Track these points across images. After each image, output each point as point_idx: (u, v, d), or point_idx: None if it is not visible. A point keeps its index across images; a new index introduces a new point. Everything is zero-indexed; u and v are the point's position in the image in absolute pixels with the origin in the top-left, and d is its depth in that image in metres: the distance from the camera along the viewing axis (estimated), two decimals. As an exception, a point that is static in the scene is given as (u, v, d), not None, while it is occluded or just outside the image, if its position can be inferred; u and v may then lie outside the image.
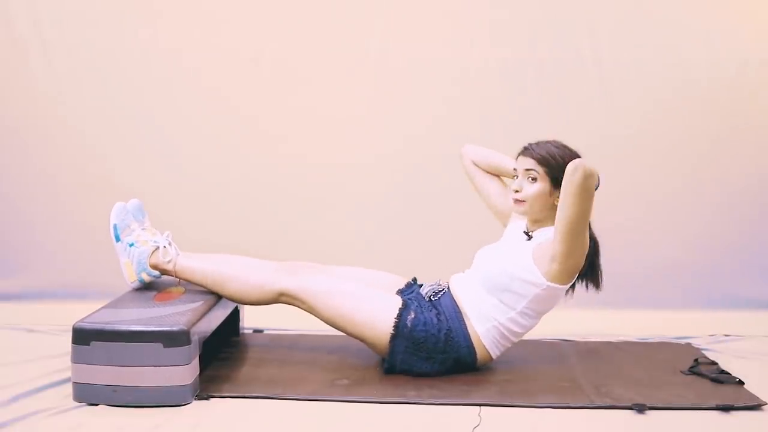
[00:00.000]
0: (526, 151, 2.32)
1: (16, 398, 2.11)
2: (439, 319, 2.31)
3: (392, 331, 2.28)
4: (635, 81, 3.21)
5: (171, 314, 2.16)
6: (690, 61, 3.20)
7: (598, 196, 3.20)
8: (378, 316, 2.30)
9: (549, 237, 2.27)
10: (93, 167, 3.27)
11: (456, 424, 1.99)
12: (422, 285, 2.51)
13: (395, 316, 2.29)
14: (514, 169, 2.35)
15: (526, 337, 2.72)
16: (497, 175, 2.56)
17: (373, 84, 3.26)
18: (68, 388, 2.12)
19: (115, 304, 2.27)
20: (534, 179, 2.28)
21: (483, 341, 2.32)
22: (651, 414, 2.07)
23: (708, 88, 3.21)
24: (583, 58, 3.21)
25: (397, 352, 2.29)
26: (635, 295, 3.20)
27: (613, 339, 2.79)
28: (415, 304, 2.35)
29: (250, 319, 2.80)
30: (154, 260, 2.39)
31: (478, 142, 2.58)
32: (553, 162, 2.27)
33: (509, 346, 2.38)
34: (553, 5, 3.21)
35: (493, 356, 2.36)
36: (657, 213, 3.27)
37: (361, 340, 2.35)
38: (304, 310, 2.36)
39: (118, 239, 2.40)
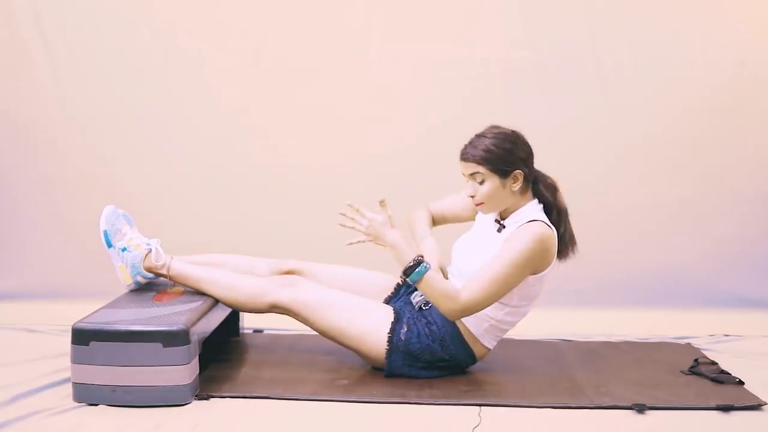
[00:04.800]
0: (464, 156, 2.24)
1: (16, 398, 2.11)
2: (430, 330, 2.29)
3: (386, 346, 2.28)
4: (635, 81, 3.21)
5: (170, 314, 2.16)
6: (689, 62, 3.20)
7: (600, 195, 3.25)
8: (371, 331, 2.28)
9: (519, 222, 2.25)
10: (93, 167, 3.27)
11: (456, 424, 1.99)
12: (411, 289, 2.48)
13: (388, 330, 2.28)
14: (463, 174, 2.28)
15: (526, 337, 2.74)
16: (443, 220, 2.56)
17: (372, 85, 3.25)
18: (68, 388, 2.11)
19: (114, 305, 2.27)
20: (482, 181, 2.23)
21: (481, 340, 2.31)
22: (651, 414, 2.07)
23: (707, 89, 3.21)
24: (583, 58, 3.21)
25: (395, 367, 2.29)
26: (635, 295, 3.20)
27: (613, 339, 2.79)
28: (407, 315, 2.33)
29: (250, 319, 2.79)
30: (147, 263, 2.39)
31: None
32: (493, 156, 2.20)
33: (506, 334, 2.37)
34: (553, 6, 3.21)
35: (491, 348, 2.35)
36: (656, 213, 3.27)
37: (356, 352, 2.35)
38: (298, 320, 2.35)
39: (110, 245, 2.40)
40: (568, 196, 2.50)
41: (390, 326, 2.28)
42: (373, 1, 3.23)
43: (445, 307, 2.19)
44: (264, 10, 3.24)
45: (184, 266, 2.39)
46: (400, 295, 2.46)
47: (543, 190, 2.29)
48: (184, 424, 1.96)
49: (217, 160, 3.30)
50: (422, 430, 1.97)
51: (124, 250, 2.39)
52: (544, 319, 2.87)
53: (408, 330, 2.28)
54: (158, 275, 2.42)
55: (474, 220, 2.49)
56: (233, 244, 2.88)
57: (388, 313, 2.32)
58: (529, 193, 2.30)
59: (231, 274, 2.40)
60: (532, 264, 2.20)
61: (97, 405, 2.05)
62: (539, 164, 2.34)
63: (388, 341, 2.27)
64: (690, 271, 3.23)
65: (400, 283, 2.51)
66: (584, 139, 3.25)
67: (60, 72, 3.24)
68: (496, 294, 2.19)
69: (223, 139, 3.29)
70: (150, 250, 2.39)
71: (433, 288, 2.18)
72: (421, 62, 3.24)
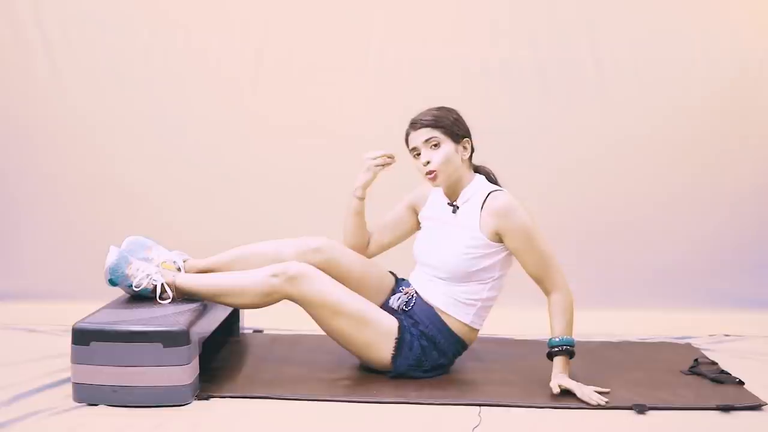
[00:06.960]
0: (416, 125, 2.31)
1: (16, 398, 2.11)
2: (420, 330, 2.30)
3: (392, 352, 2.27)
4: (635, 81, 3.22)
5: (170, 314, 2.16)
6: (689, 61, 3.21)
7: (600, 195, 3.25)
8: (376, 341, 2.27)
9: (489, 204, 2.27)
10: (94, 167, 3.28)
11: (456, 424, 1.99)
12: (401, 281, 2.47)
13: (392, 349, 2.27)
14: (413, 149, 2.33)
15: (526, 337, 2.74)
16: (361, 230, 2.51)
17: (372, 84, 3.26)
18: (68, 388, 2.12)
19: (114, 305, 2.27)
20: (437, 145, 2.28)
21: (471, 326, 2.33)
22: (651, 414, 2.07)
23: (708, 88, 3.21)
24: (583, 58, 3.22)
25: (400, 373, 2.30)
26: (635, 295, 3.21)
27: (613, 339, 2.79)
28: (404, 323, 2.32)
29: (250, 319, 2.80)
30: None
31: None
32: (446, 121, 2.29)
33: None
34: (553, 5, 3.22)
35: (479, 328, 2.37)
36: (656, 213, 3.27)
37: (358, 358, 2.36)
38: (305, 311, 2.33)
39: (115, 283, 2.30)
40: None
41: (394, 343, 2.28)
42: (373, 1, 3.23)
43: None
44: (265, 9, 3.24)
45: (190, 287, 2.29)
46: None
47: (478, 165, 2.39)
48: (184, 424, 1.96)
49: (219, 159, 3.30)
50: (422, 430, 1.97)
51: (130, 286, 2.29)
52: (545, 319, 2.87)
53: (410, 347, 2.28)
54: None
55: (414, 230, 2.51)
56: (236, 242, 2.88)
57: (392, 326, 2.29)
58: (472, 169, 2.37)
59: (236, 279, 2.30)
60: (535, 220, 2.25)
61: (97, 405, 2.06)
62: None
63: (395, 347, 2.27)
64: (690, 271, 3.24)
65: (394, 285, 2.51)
66: (584, 138, 3.25)
67: (61, 72, 3.25)
68: (557, 263, 2.27)
69: (224, 137, 3.29)
70: (155, 286, 2.28)
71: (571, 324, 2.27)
72: (421, 61, 3.24)
